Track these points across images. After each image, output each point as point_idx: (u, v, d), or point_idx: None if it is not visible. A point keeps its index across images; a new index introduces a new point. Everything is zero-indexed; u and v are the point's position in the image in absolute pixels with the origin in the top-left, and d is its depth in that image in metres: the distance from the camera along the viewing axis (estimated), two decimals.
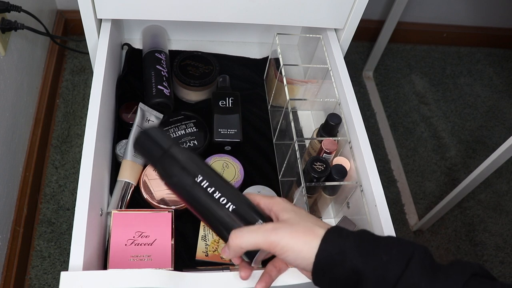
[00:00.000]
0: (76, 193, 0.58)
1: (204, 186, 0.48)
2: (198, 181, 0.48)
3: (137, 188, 0.72)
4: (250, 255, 0.48)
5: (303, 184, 0.66)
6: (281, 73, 0.78)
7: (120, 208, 0.69)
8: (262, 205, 0.50)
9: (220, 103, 0.82)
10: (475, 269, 0.41)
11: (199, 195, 0.49)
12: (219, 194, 0.48)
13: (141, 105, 0.78)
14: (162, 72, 0.84)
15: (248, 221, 0.48)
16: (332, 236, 0.44)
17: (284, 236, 0.44)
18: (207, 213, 0.49)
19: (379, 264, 0.42)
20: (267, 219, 0.49)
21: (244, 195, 0.51)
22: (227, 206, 0.48)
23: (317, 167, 0.67)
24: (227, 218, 0.48)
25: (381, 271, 0.42)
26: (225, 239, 0.49)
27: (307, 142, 0.79)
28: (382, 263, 0.42)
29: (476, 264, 0.42)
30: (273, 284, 0.51)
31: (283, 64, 0.78)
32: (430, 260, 0.42)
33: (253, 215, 0.48)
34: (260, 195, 0.52)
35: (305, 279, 0.51)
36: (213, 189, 0.48)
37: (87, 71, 1.58)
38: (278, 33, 0.83)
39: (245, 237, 0.46)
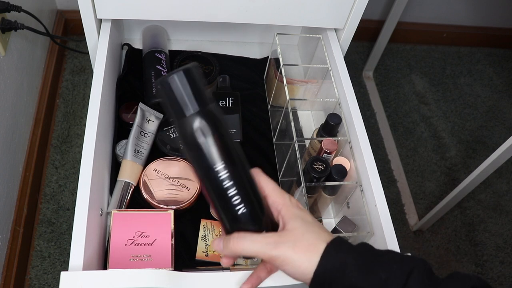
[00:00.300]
0: (76, 193, 0.58)
1: (221, 178, 0.44)
2: (217, 169, 0.44)
3: (137, 188, 0.72)
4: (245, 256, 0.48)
5: (303, 184, 0.66)
6: (281, 73, 0.78)
7: (120, 208, 0.69)
8: (270, 202, 0.49)
9: (220, 103, 0.82)
10: (474, 282, 0.41)
11: (213, 183, 0.45)
12: (234, 192, 0.45)
13: (141, 105, 0.78)
14: (162, 72, 0.84)
15: (253, 228, 0.46)
16: (332, 251, 0.44)
17: (285, 251, 0.44)
18: (215, 201, 0.47)
19: (378, 282, 0.42)
20: (272, 225, 0.48)
21: (258, 195, 0.47)
22: (237, 208, 0.45)
23: (317, 167, 0.67)
24: (234, 218, 0.46)
25: None
26: (225, 230, 0.48)
27: (307, 142, 0.79)
28: (381, 281, 0.42)
29: (474, 276, 0.42)
30: (262, 285, 0.51)
31: (283, 64, 0.78)
32: (429, 275, 0.42)
33: (259, 224, 0.47)
34: (271, 186, 0.49)
35: (294, 281, 0.51)
36: (229, 184, 0.44)
37: (87, 71, 1.58)
38: (278, 33, 0.83)
39: (246, 245, 0.45)
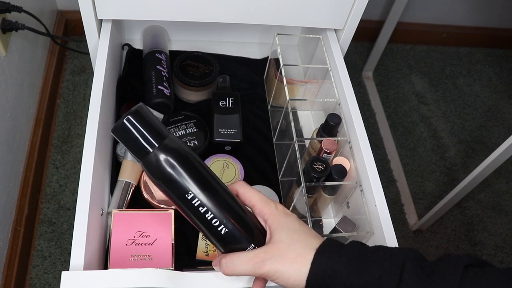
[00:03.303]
0: (76, 193, 0.58)
1: (196, 205, 0.46)
2: (189, 198, 0.45)
3: (137, 188, 0.73)
4: None
5: (303, 184, 0.66)
6: (281, 73, 0.78)
7: (120, 208, 0.69)
8: (257, 212, 0.49)
9: (220, 103, 0.82)
10: (466, 261, 0.41)
11: (190, 211, 0.46)
12: (212, 215, 0.46)
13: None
14: (163, 72, 0.84)
15: (240, 245, 0.48)
16: (322, 258, 0.44)
17: (272, 267, 0.45)
18: (198, 226, 0.48)
19: (373, 281, 0.42)
20: (261, 235, 0.49)
21: (239, 209, 0.48)
22: (219, 229, 0.47)
23: (317, 167, 0.67)
24: (220, 239, 0.48)
25: (377, 287, 0.42)
26: (219, 251, 0.50)
27: (307, 142, 0.79)
28: (376, 280, 0.42)
29: (465, 255, 0.42)
30: (268, 284, 0.51)
31: (283, 64, 0.78)
32: (422, 264, 0.42)
33: (245, 240, 0.48)
34: (256, 196, 0.49)
35: None
36: (205, 208, 0.46)
37: (88, 71, 1.59)
38: (278, 34, 0.84)
39: (236, 269, 0.46)
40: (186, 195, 0.45)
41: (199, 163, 0.47)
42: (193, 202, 0.45)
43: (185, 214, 0.48)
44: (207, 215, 0.46)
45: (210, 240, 0.49)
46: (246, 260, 0.46)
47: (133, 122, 0.43)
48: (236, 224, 0.47)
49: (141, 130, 0.43)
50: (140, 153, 0.45)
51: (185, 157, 0.45)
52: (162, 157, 0.44)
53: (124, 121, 0.43)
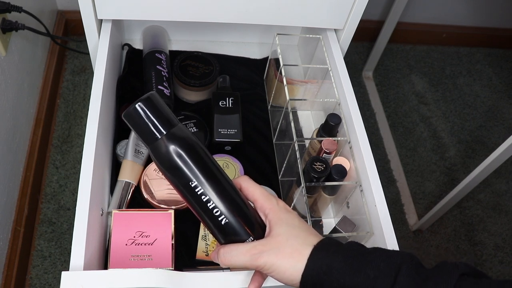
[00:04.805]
0: (76, 193, 0.58)
1: (199, 193, 0.46)
2: (193, 186, 0.46)
3: (137, 188, 0.73)
4: None
5: (303, 184, 0.66)
6: (281, 73, 0.78)
7: (120, 208, 0.69)
8: (258, 206, 0.50)
9: (220, 103, 0.82)
10: (462, 269, 0.41)
11: (192, 199, 0.47)
12: (213, 205, 0.47)
13: None
14: (163, 72, 0.84)
15: (239, 237, 0.48)
16: (319, 254, 0.44)
17: (269, 259, 0.45)
18: (200, 215, 0.49)
19: (367, 281, 0.42)
20: (261, 229, 0.49)
21: (240, 202, 0.49)
22: (220, 219, 0.47)
23: (317, 167, 0.67)
24: (220, 229, 0.48)
25: None
26: (218, 241, 0.50)
27: (307, 142, 0.79)
28: (370, 280, 0.42)
29: (462, 264, 0.42)
30: (265, 284, 0.51)
31: (283, 64, 0.78)
32: (418, 268, 0.42)
33: (245, 232, 0.48)
34: (259, 191, 0.50)
35: None
36: (207, 197, 0.47)
37: (88, 71, 1.59)
38: (278, 34, 0.84)
39: (233, 260, 0.47)
40: (190, 183, 0.46)
41: (205, 154, 0.48)
42: (196, 190, 0.46)
43: (187, 202, 0.48)
44: (209, 204, 0.47)
45: (210, 230, 0.49)
46: (244, 251, 0.46)
47: (144, 108, 0.45)
48: (237, 216, 0.48)
49: (150, 117, 0.45)
50: (148, 139, 0.46)
51: (192, 146, 0.47)
52: (169, 144, 0.45)
53: (136, 106, 0.45)
